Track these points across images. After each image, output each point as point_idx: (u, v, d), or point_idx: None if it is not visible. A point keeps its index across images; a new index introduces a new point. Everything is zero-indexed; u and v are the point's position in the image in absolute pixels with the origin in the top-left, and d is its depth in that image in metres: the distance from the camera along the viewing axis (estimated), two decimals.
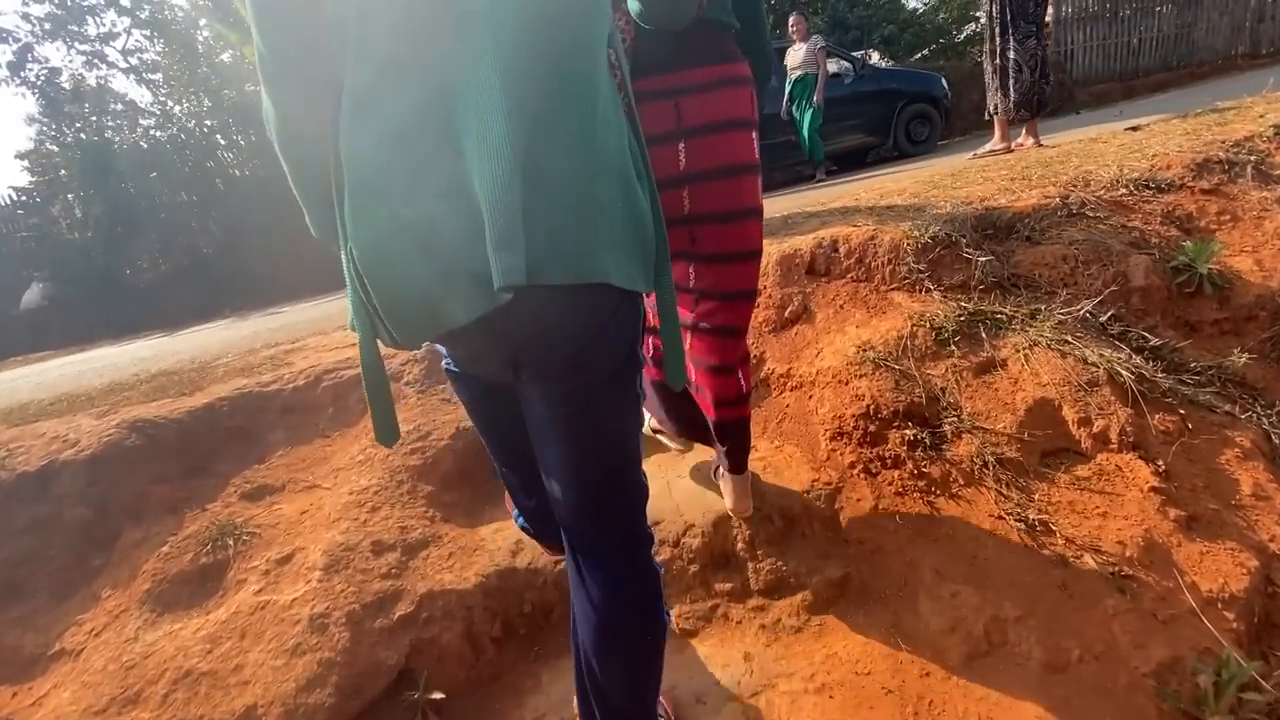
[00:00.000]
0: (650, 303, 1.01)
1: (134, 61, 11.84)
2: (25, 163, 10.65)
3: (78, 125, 10.78)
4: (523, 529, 1.24)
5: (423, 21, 0.64)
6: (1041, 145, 3.66)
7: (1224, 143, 2.31)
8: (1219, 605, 1.24)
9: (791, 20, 6.14)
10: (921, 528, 1.49)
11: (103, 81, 11.65)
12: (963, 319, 1.79)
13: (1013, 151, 3.70)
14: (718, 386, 1.37)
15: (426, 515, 1.67)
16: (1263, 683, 1.09)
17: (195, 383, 2.29)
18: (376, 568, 1.48)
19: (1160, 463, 1.44)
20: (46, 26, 11.09)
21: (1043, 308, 1.80)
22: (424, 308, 0.68)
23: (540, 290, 0.67)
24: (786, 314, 2.07)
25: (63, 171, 10.19)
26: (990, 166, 3.04)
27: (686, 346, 1.37)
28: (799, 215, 2.89)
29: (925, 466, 1.56)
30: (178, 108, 11.08)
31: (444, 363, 0.97)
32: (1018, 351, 1.69)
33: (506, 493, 1.19)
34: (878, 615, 1.38)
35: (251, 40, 0.68)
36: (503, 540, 1.60)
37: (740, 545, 1.54)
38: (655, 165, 1.11)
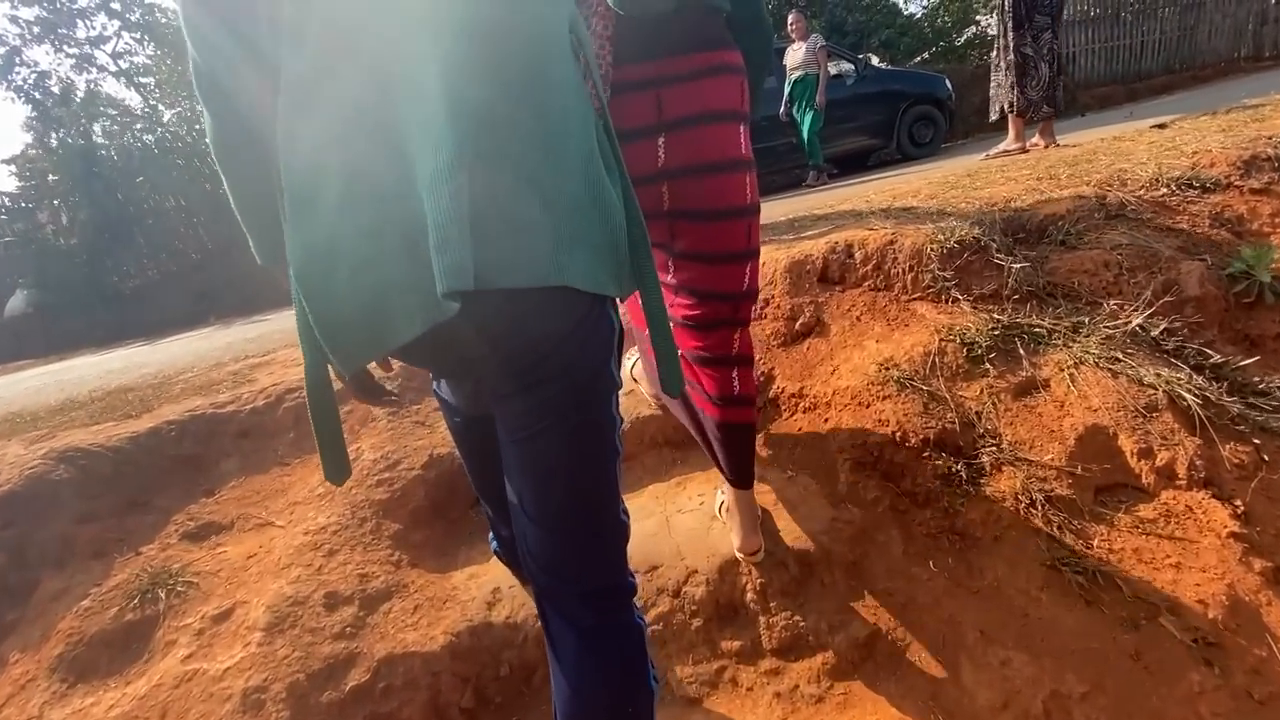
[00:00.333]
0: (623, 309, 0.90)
1: (124, 65, 11.66)
2: (12, 168, 10.45)
3: (65, 130, 10.59)
4: (496, 554, 1.17)
5: (359, 7, 0.60)
6: (1058, 145, 3.48)
7: (1270, 138, 2.12)
8: None
9: (790, 19, 5.97)
10: (960, 577, 1.29)
11: (93, 85, 11.47)
12: (997, 333, 1.59)
13: (1028, 152, 3.52)
14: (711, 381, 1.27)
15: (391, 559, 1.46)
16: None
17: (148, 402, 2.09)
18: (328, 626, 1.27)
19: (1238, 502, 1.24)
20: (35, 30, 10.90)
21: (1086, 320, 1.60)
22: (364, 323, 0.63)
23: (492, 297, 0.60)
24: (797, 326, 1.87)
25: (51, 177, 10.00)
26: (1009, 166, 2.85)
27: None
28: (806, 218, 2.71)
29: (962, 504, 1.36)
30: (168, 112, 10.91)
31: (432, 383, 0.93)
32: (1062, 370, 1.50)
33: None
34: (913, 684, 1.17)
35: None
36: (477, 589, 1.40)
37: (751, 595, 1.33)
38: (633, 162, 1.05)
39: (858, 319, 1.82)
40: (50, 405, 2.53)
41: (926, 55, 11.68)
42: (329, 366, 0.68)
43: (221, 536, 1.54)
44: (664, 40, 1.06)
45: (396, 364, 1.44)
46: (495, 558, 1.33)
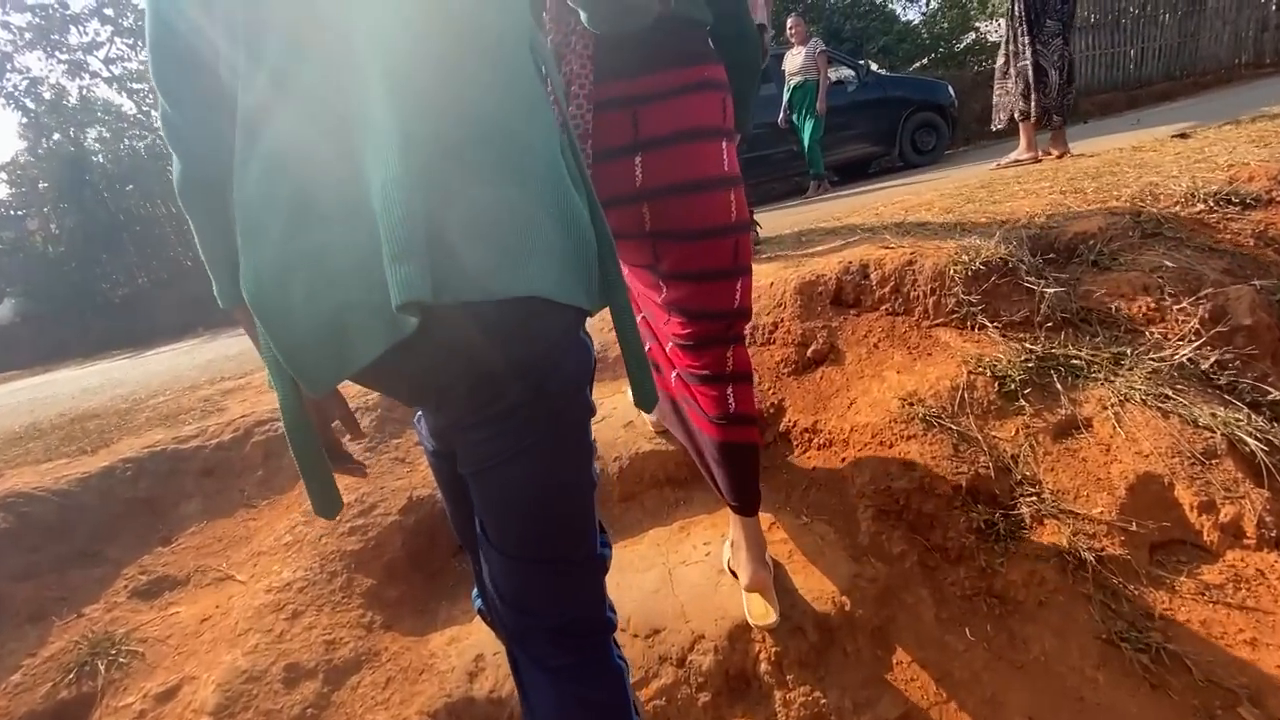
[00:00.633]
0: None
1: (116, 71, 11.53)
2: (2, 175, 10.30)
3: (57, 136, 10.45)
4: (480, 613, 1.04)
5: (308, 30, 0.59)
6: (1071, 155, 3.35)
7: None
8: None
9: (790, 22, 5.84)
10: (1002, 649, 1.14)
11: (85, 91, 11.34)
12: (1030, 365, 1.46)
13: (1040, 161, 3.39)
14: (708, 400, 1.22)
15: (362, 621, 1.31)
16: None
17: (109, 433, 1.94)
18: (287, 707, 1.12)
19: None
20: (27, 36, 10.77)
21: (1128, 351, 1.47)
22: (324, 346, 0.61)
23: (455, 312, 0.59)
24: (809, 353, 1.73)
25: (42, 185, 9.85)
26: (1025, 178, 2.72)
27: (667, 348, 1.28)
28: (815, 232, 2.57)
29: (1001, 563, 1.21)
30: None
31: (414, 417, 0.90)
32: (1105, 409, 1.36)
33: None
34: None
35: None
36: (458, 656, 1.25)
37: (765, 666, 1.19)
38: (608, 183, 1.06)
39: (875, 346, 1.68)
40: (13, 431, 2.38)
41: (925, 61, 11.61)
42: (302, 400, 0.67)
43: (175, 594, 1.39)
44: (642, 57, 1.03)
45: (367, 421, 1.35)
46: (479, 617, 1.20)
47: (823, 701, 1.13)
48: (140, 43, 11.31)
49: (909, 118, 6.46)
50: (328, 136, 0.58)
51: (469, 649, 1.26)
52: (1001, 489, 1.30)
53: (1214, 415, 1.28)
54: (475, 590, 1.11)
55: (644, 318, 1.42)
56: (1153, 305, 1.57)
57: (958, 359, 1.52)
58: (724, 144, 1.10)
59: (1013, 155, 3.54)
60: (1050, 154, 3.47)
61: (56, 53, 10.85)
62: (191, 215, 0.69)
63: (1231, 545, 1.15)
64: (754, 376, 1.34)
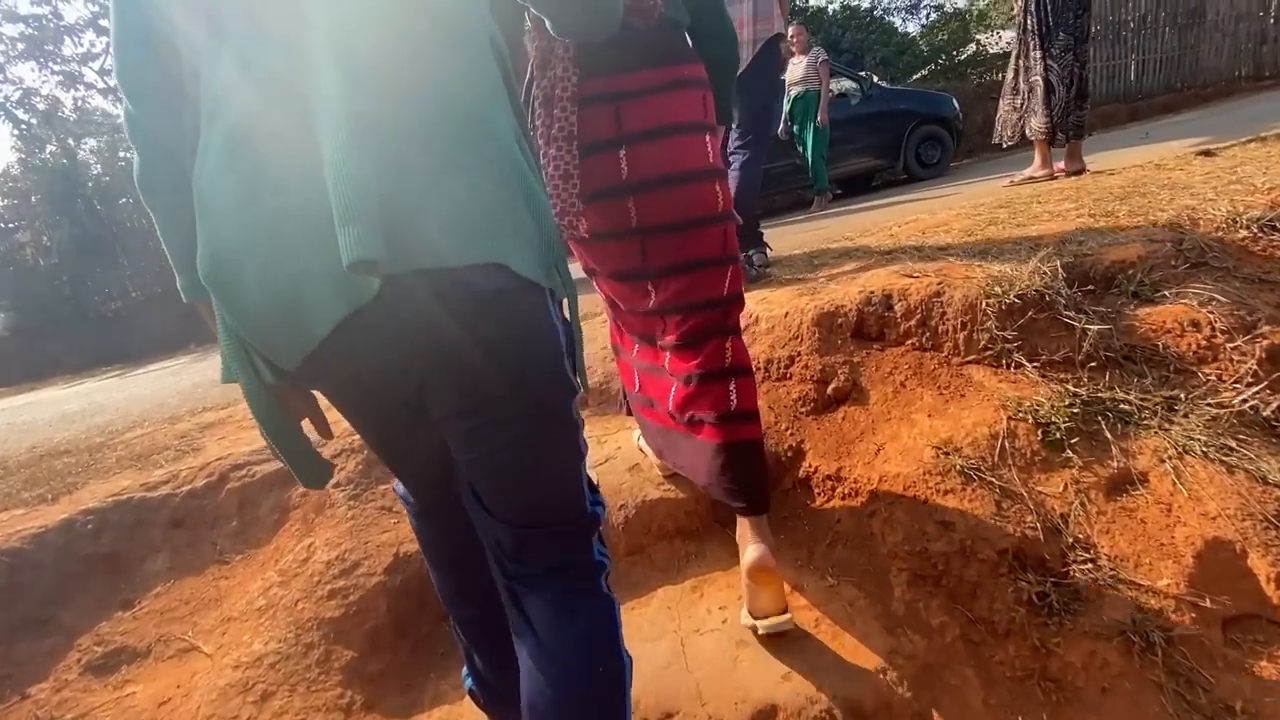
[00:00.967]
0: None
1: (112, 82, 11.44)
2: None
3: (50, 148, 10.35)
4: (470, 693, 0.99)
5: (268, 8, 0.60)
6: (1089, 172, 3.25)
7: None
8: None
9: (791, 31, 5.72)
10: None
11: (80, 103, 11.26)
12: (1076, 410, 1.33)
13: (1056, 178, 3.29)
14: (708, 400, 1.20)
15: (340, 702, 1.17)
16: None
17: (76, 475, 1.81)
18: None
19: None
20: (20, 47, 10.69)
21: (1181, 395, 1.35)
22: (283, 320, 0.61)
23: (417, 282, 0.59)
24: (830, 391, 1.61)
25: (34, 198, 9.74)
26: (1045, 197, 2.61)
27: (665, 365, 1.28)
28: (827, 253, 2.46)
29: (1057, 642, 1.08)
30: None
31: (394, 484, 0.92)
32: (1162, 461, 1.23)
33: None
34: None
35: None
36: None
37: None
38: (596, 176, 1.11)
39: (901, 385, 1.56)
40: None
41: (925, 73, 11.58)
42: (266, 386, 0.68)
43: (133, 668, 1.25)
44: (623, 57, 1.07)
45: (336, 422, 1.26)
46: (469, 697, 1.07)
47: None
48: None
49: (913, 130, 6.38)
50: (287, 113, 0.58)
51: None
52: (1052, 554, 1.17)
53: None
54: (465, 669, 1.00)
55: (629, 359, 1.40)
56: (1203, 342, 1.44)
57: (995, 402, 1.40)
58: (707, 138, 1.15)
59: (1027, 172, 3.44)
60: (1064, 170, 3.37)
61: (50, 63, 10.78)
62: (153, 208, 0.70)
63: None
64: (754, 372, 1.32)
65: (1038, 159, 3.39)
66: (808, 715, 1.07)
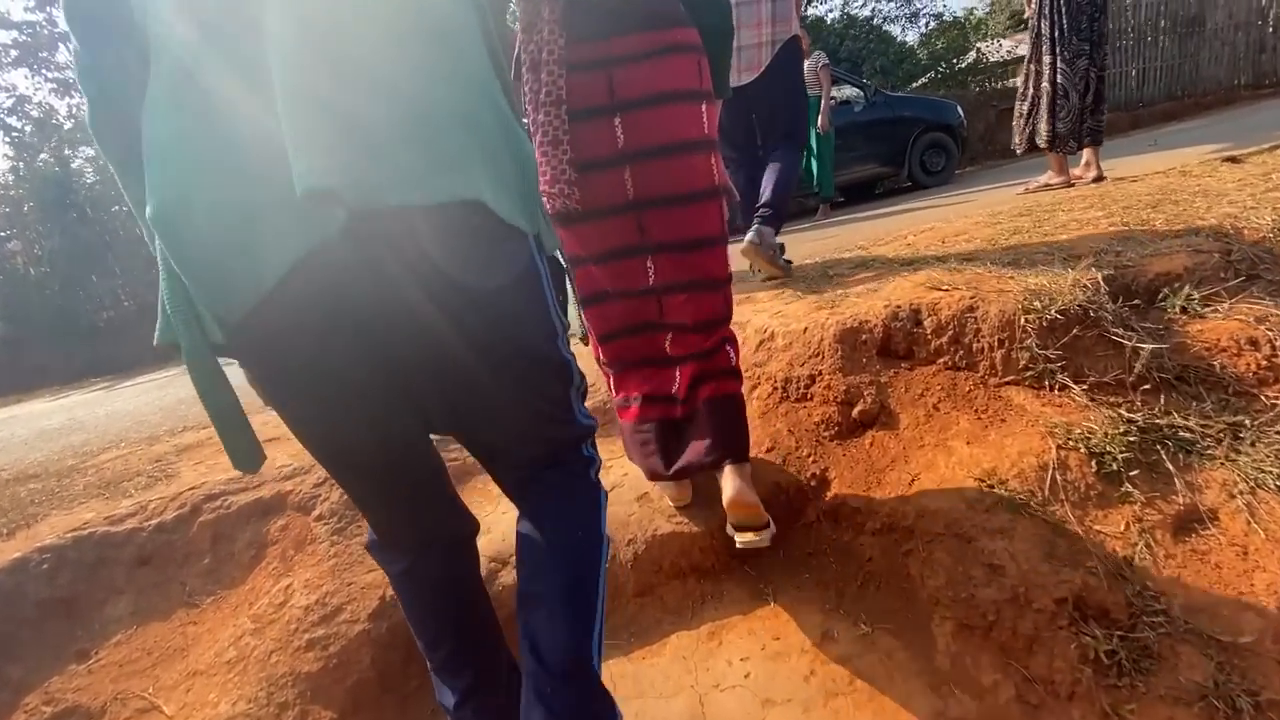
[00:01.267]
0: None
1: None
2: None
3: (44, 156, 10.24)
4: None
5: None
6: (1109, 179, 3.15)
7: None
8: None
9: None
10: None
11: (74, 110, 11.16)
12: (1132, 438, 1.21)
13: (1074, 185, 3.19)
14: (715, 364, 1.27)
15: None
16: None
17: (40, 504, 1.67)
18: None
19: None
20: (13, 54, 10.60)
21: (1246, 421, 1.22)
22: (234, 260, 0.56)
23: (388, 223, 0.55)
24: (855, 414, 1.49)
25: (26, 206, 9.62)
26: (1069, 204, 2.50)
27: (666, 347, 1.29)
28: (842, 263, 2.34)
29: (1131, 708, 0.95)
30: None
31: (368, 534, 0.89)
32: (1233, 497, 1.11)
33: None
34: None
35: None
36: None
37: None
38: (591, 143, 1.06)
39: (934, 408, 1.43)
40: None
41: (925, 80, 11.54)
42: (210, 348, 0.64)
43: None
44: (614, 19, 1.04)
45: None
46: None
47: None
48: None
49: (918, 138, 6.30)
50: (234, 44, 0.55)
51: None
52: (1115, 603, 1.04)
53: None
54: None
55: (612, 365, 1.39)
56: (1263, 362, 1.32)
57: (1040, 428, 1.27)
58: (703, 106, 1.11)
59: (1043, 179, 3.34)
60: (1081, 178, 3.26)
61: (44, 71, 10.68)
62: (108, 153, 0.66)
63: None
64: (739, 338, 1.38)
65: (1053, 165, 3.29)
66: None
